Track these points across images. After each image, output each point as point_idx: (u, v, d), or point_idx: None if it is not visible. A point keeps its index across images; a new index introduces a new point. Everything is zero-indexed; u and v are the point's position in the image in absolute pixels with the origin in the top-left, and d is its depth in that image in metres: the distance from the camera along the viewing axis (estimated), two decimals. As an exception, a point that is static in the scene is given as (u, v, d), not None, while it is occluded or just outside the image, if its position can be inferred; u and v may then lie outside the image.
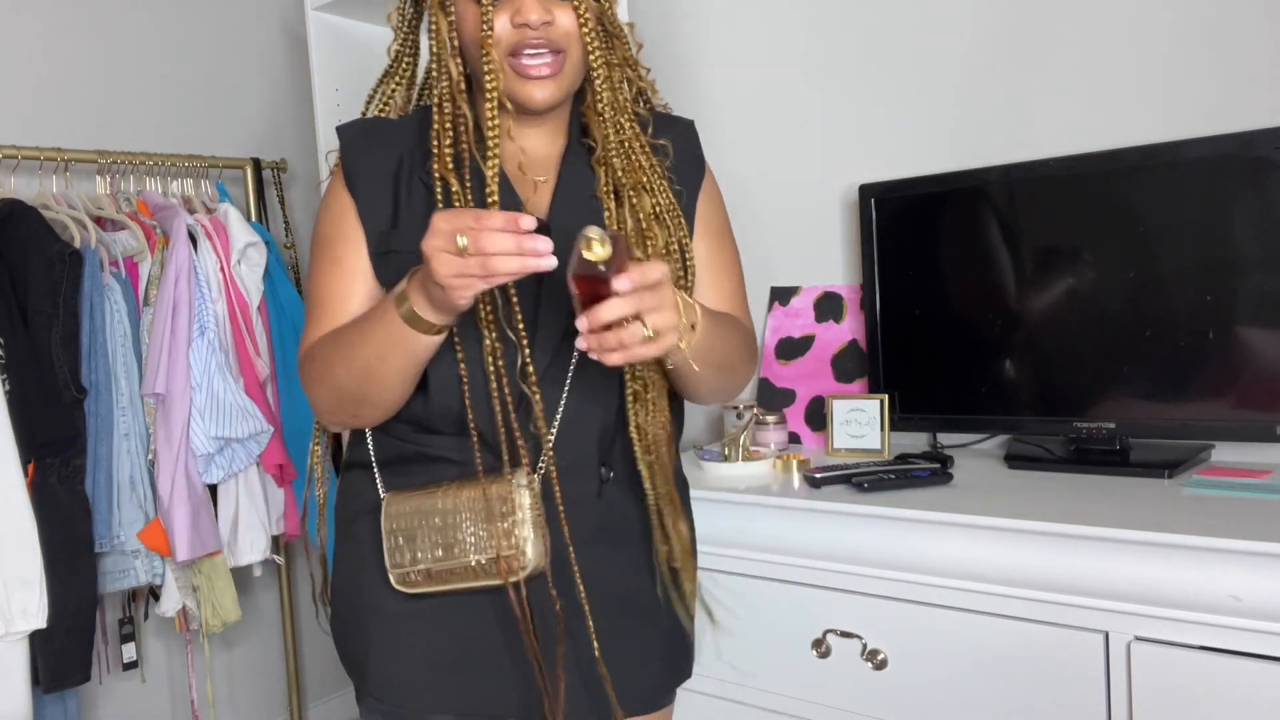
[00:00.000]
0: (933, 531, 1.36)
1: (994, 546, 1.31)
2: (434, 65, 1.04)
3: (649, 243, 1.06)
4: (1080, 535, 1.24)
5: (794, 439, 1.97)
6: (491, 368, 1.01)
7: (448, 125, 1.02)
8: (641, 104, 1.15)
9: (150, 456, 2.05)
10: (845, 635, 1.45)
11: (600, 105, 1.07)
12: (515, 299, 1.01)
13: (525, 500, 1.00)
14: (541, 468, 1.04)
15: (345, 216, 1.07)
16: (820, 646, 1.47)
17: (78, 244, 1.94)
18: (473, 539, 1.01)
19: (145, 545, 2.02)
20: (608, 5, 1.08)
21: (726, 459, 1.73)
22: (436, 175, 1.02)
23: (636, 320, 0.86)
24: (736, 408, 1.88)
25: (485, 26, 0.99)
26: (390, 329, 0.95)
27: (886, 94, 1.94)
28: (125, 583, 2.03)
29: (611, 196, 1.07)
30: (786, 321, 2.03)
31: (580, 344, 0.87)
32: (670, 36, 2.23)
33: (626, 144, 1.07)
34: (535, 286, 1.03)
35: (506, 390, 1.01)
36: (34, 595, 1.71)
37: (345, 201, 1.07)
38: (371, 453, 1.11)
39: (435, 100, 1.03)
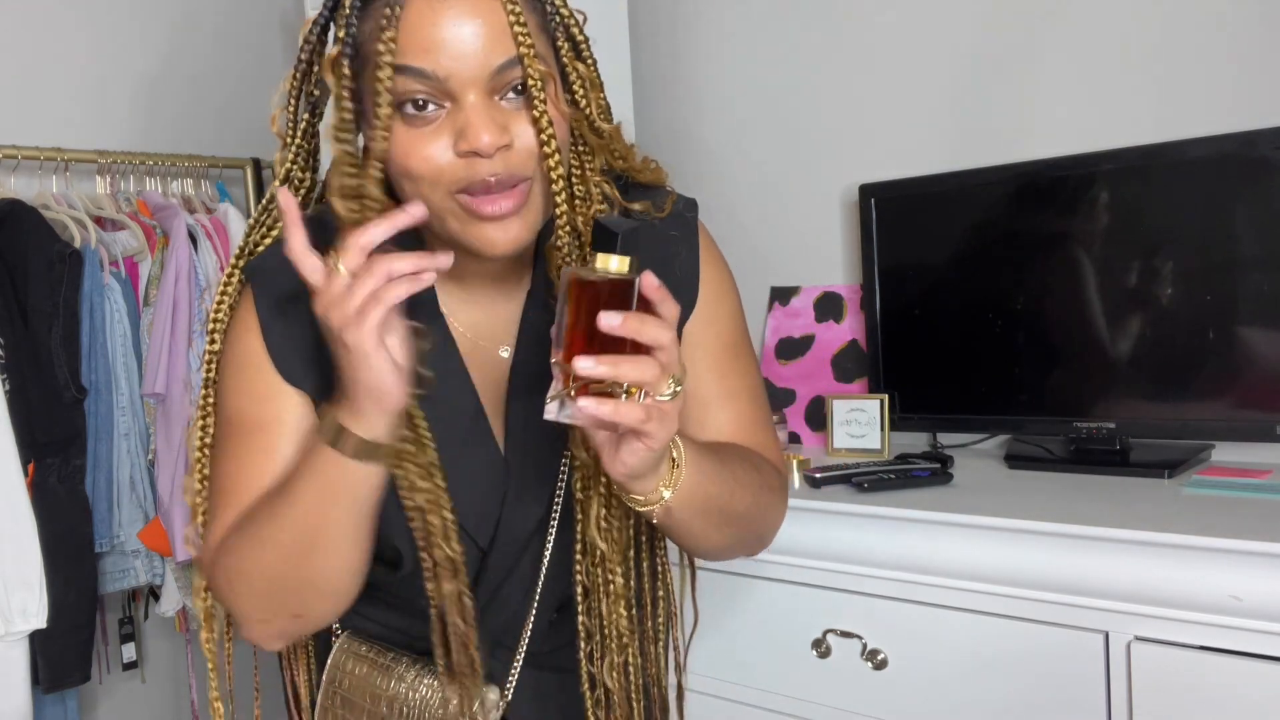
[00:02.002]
0: (933, 531, 1.36)
1: (994, 546, 1.31)
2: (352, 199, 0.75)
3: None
4: (1080, 535, 1.24)
5: (794, 439, 1.97)
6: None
7: None
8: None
9: (150, 456, 2.05)
10: (845, 635, 1.45)
11: (563, 249, 0.80)
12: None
13: None
14: (511, 683, 0.89)
15: (278, 399, 0.84)
16: (820, 646, 1.47)
17: (78, 244, 1.94)
18: None
19: (145, 545, 2.02)
20: (586, 106, 0.80)
21: (726, 459, 1.73)
22: None
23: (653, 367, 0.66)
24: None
25: (424, 161, 0.73)
26: (321, 470, 0.74)
27: (886, 94, 1.94)
28: (125, 583, 2.03)
29: None
30: (786, 321, 2.03)
31: (581, 365, 0.65)
32: (668, 36, 2.23)
33: None
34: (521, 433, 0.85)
35: (465, 599, 0.81)
36: (34, 595, 1.70)
37: (278, 385, 0.84)
38: None
39: None
